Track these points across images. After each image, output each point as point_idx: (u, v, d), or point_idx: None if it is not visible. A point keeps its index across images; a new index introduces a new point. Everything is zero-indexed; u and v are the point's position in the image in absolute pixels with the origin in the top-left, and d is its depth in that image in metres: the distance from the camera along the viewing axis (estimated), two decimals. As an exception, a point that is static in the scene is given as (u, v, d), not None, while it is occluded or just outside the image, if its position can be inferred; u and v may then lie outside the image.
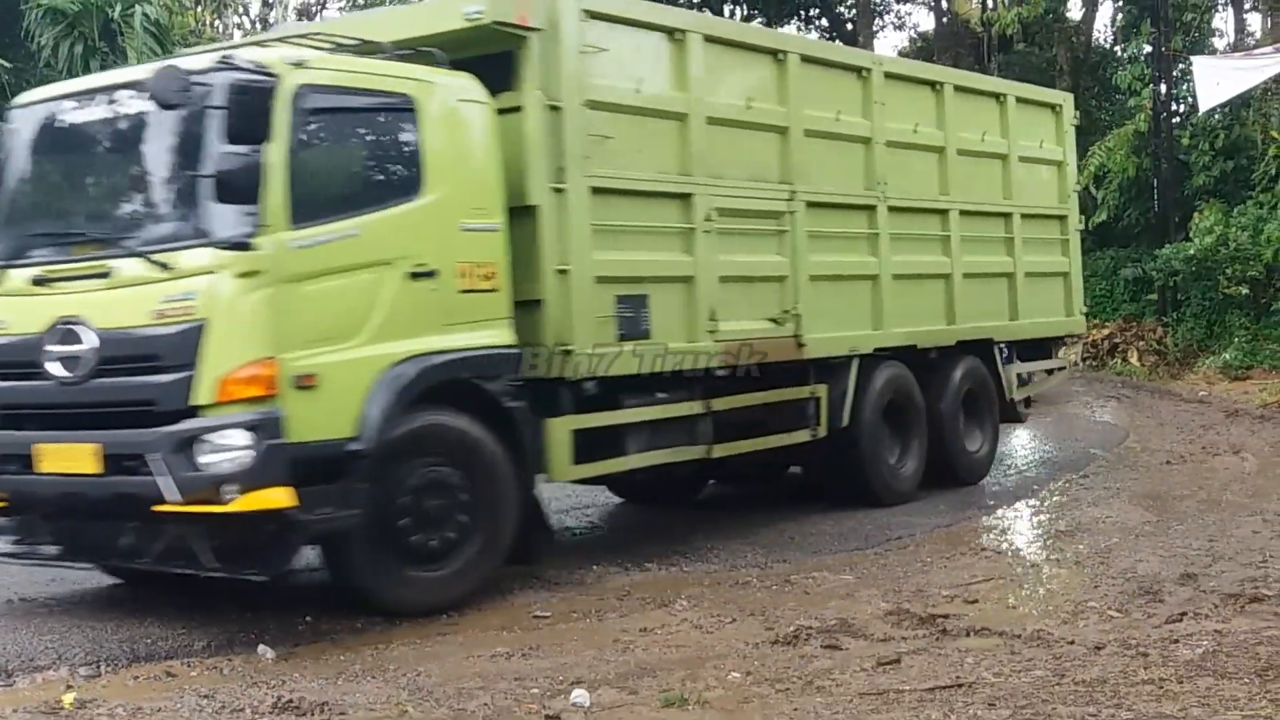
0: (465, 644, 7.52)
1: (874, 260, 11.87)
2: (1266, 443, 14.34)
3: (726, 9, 36.48)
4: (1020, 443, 15.55)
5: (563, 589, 8.94)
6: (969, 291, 12.91)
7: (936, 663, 6.76)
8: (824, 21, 36.98)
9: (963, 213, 12.87)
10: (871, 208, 11.84)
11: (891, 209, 11.98)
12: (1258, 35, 23.43)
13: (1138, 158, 22.73)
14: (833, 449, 11.57)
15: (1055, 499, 12.37)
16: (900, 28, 39.70)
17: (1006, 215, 13.63)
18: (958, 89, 13.19)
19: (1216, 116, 21.13)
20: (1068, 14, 28.30)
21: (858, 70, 12.00)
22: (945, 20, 32.13)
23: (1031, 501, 12.35)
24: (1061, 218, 14.70)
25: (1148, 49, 22.83)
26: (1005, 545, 10.37)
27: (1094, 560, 9.49)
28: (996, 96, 13.90)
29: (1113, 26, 29.27)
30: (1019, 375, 14.08)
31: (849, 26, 35.43)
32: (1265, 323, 19.70)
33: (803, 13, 36.60)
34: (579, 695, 6.30)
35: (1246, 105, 21.18)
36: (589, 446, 9.24)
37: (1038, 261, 14.07)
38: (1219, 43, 26.62)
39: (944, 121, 12.78)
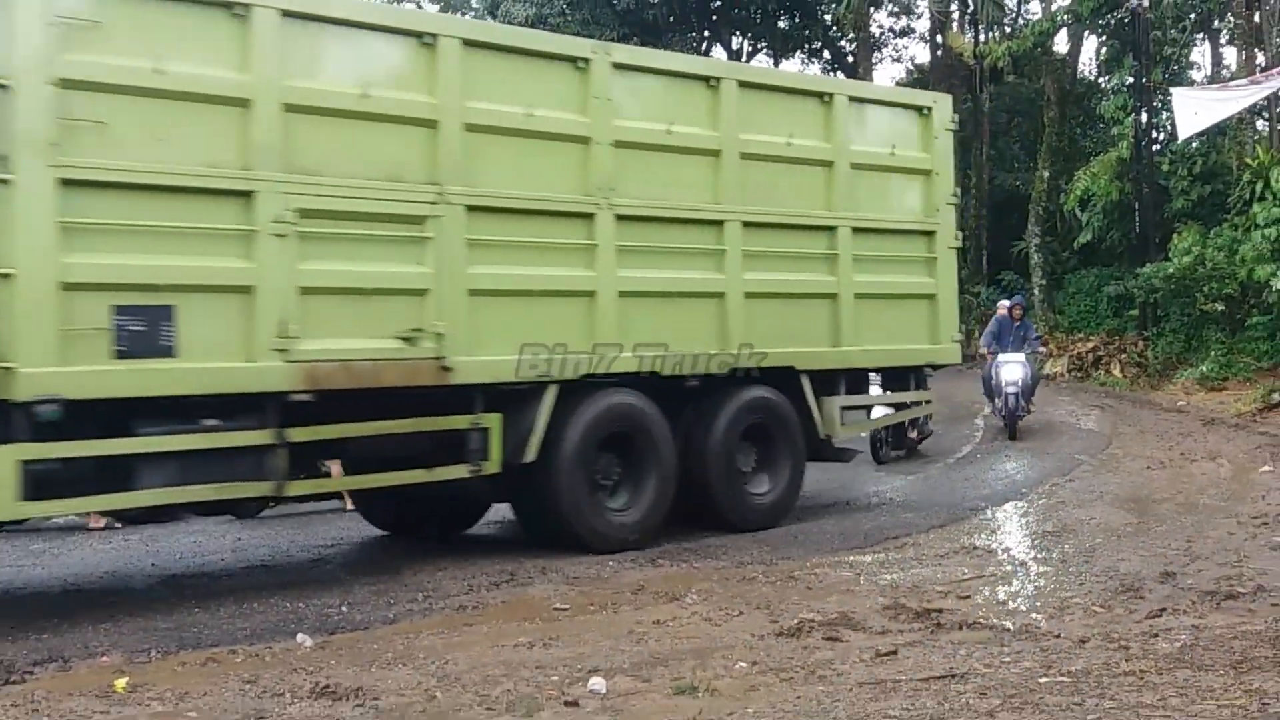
0: (489, 634, 7.51)
1: (589, 275, 9.91)
2: (1241, 449, 14.28)
3: (735, 41, 36.56)
4: (1009, 449, 15.50)
5: (581, 583, 8.94)
6: (759, 313, 10.86)
7: (931, 654, 6.74)
8: (826, 54, 37.00)
9: (748, 225, 10.80)
10: (589, 215, 9.87)
11: (622, 218, 10.00)
12: (1233, 68, 23.37)
13: (1120, 182, 22.69)
14: (523, 486, 9.85)
15: (1042, 501, 12.33)
16: (898, 60, 39.80)
17: (829, 229, 11.43)
18: (745, 85, 11.05)
19: (1194, 144, 21.09)
20: (1055, 48, 28.26)
21: (572, 61, 10.00)
22: (939, 53, 32.09)
23: (1020, 504, 12.31)
24: (928, 233, 12.30)
25: (1129, 81, 22.78)
26: (995, 544, 10.34)
27: (1079, 559, 9.46)
28: (820, 96, 11.63)
29: (1097, 59, 29.26)
30: (847, 410, 11.86)
31: (850, 59, 35.42)
32: (1240, 337, 19.64)
33: (807, 45, 36.62)
34: (596, 683, 6.29)
35: (1222, 133, 21.14)
36: (59, 480, 7.55)
37: (884, 282, 11.87)
38: (1196, 75, 26.58)
39: (721, 122, 10.73)
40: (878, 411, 13.01)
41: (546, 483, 9.71)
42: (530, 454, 9.46)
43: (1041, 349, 17.89)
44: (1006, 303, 18.30)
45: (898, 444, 15.65)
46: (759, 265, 10.91)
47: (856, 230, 11.56)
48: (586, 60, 9.97)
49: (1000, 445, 16.24)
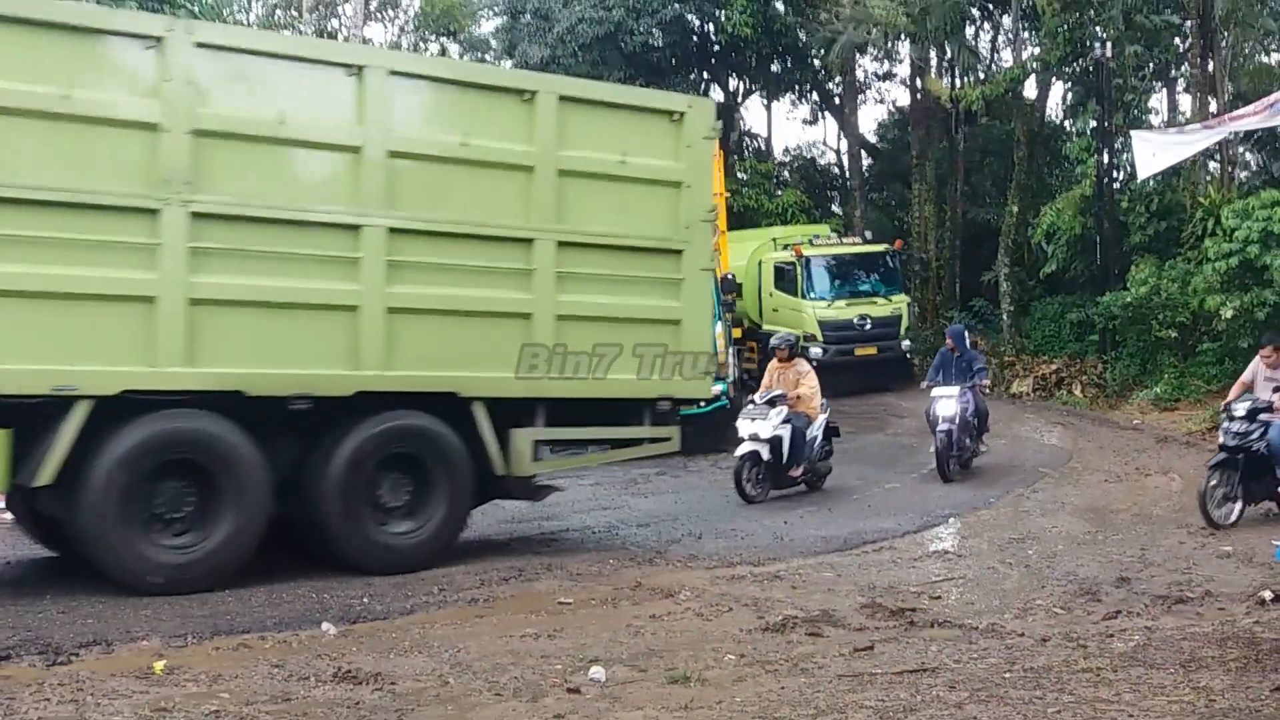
0: (498, 626, 7.52)
1: (147, 278, 8.05)
2: (1191, 465, 14.28)
3: (732, 82, 36.62)
4: (978, 462, 15.50)
5: (584, 579, 8.94)
6: (410, 331, 8.96)
7: (905, 650, 6.75)
8: (815, 95, 37.04)
9: (397, 231, 8.87)
10: (151, 211, 8.01)
11: (201, 216, 8.17)
12: (1188, 114, 23.41)
13: (1083, 218, 22.70)
14: (69, 509, 8.14)
15: (1008, 510, 12.33)
16: (881, 103, 39.89)
17: (523, 241, 9.44)
18: (400, 75, 9.16)
19: (1151, 183, 21.12)
20: (1024, 93, 28.31)
21: (140, 39, 8.13)
22: (919, 96, 32.12)
23: (987, 512, 12.31)
24: (673, 252, 10.08)
25: (1093, 124, 22.81)
26: (965, 549, 10.34)
27: (1041, 564, 9.46)
28: (519, 93, 9.49)
29: (1063, 104, 29.25)
30: (545, 444, 9.89)
31: (837, 101, 35.48)
32: (1191, 362, 19.63)
33: (797, 87, 36.69)
34: (596, 672, 6.29)
35: (1178, 174, 21.16)
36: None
37: (603, 304, 9.74)
38: (1155, 120, 26.58)
39: (367, 116, 8.83)
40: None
41: (82, 510, 7.99)
42: (45, 476, 7.76)
43: (985, 381, 15.00)
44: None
45: (778, 482, 13.18)
46: (411, 278, 8.98)
47: (564, 245, 9.54)
48: (159, 39, 8.13)
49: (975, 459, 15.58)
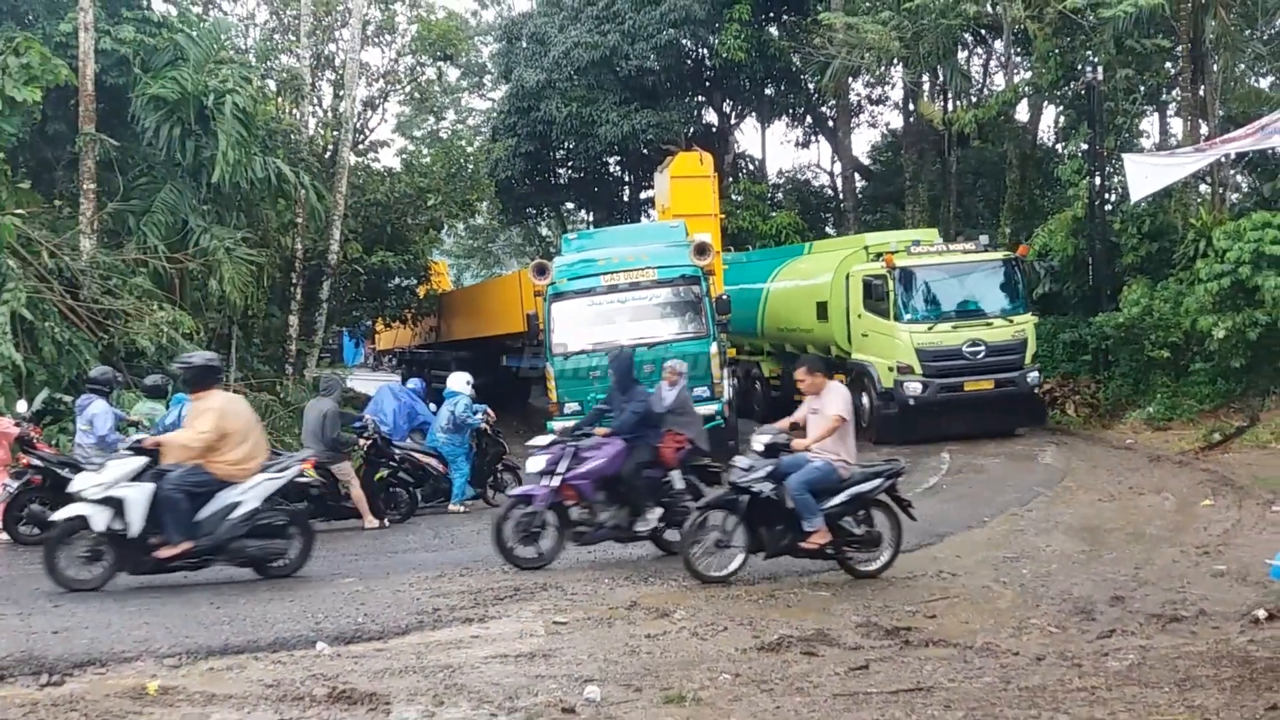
0: (494, 645, 7.48)
1: None
2: (1184, 484, 14.27)
3: (726, 105, 36.77)
4: (973, 480, 15.45)
5: (579, 599, 8.90)
6: None
7: (900, 669, 6.72)
8: (808, 119, 37.18)
9: None
10: None
11: None
12: (1179, 137, 23.51)
13: (1076, 239, 22.74)
14: None
15: (1002, 529, 12.30)
16: (874, 126, 39.97)
17: None
18: None
19: (1143, 205, 21.15)
20: (1017, 116, 28.43)
21: None
22: (912, 120, 32.26)
23: (981, 531, 12.27)
24: None
25: (1085, 147, 22.88)
26: (960, 568, 10.30)
27: (1036, 583, 9.43)
28: None
29: (1055, 127, 29.37)
30: None
31: (830, 124, 35.60)
32: (1184, 382, 19.63)
33: (791, 111, 36.83)
34: (591, 691, 6.26)
35: (1169, 196, 21.21)
36: None
37: None
38: (1146, 143, 26.69)
39: None
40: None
41: None
42: None
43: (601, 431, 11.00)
44: (676, 365, 12.45)
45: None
46: None
47: None
48: None
49: (969, 473, 15.92)
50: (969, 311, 18.91)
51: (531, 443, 11.05)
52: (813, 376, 9.70)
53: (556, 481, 10.31)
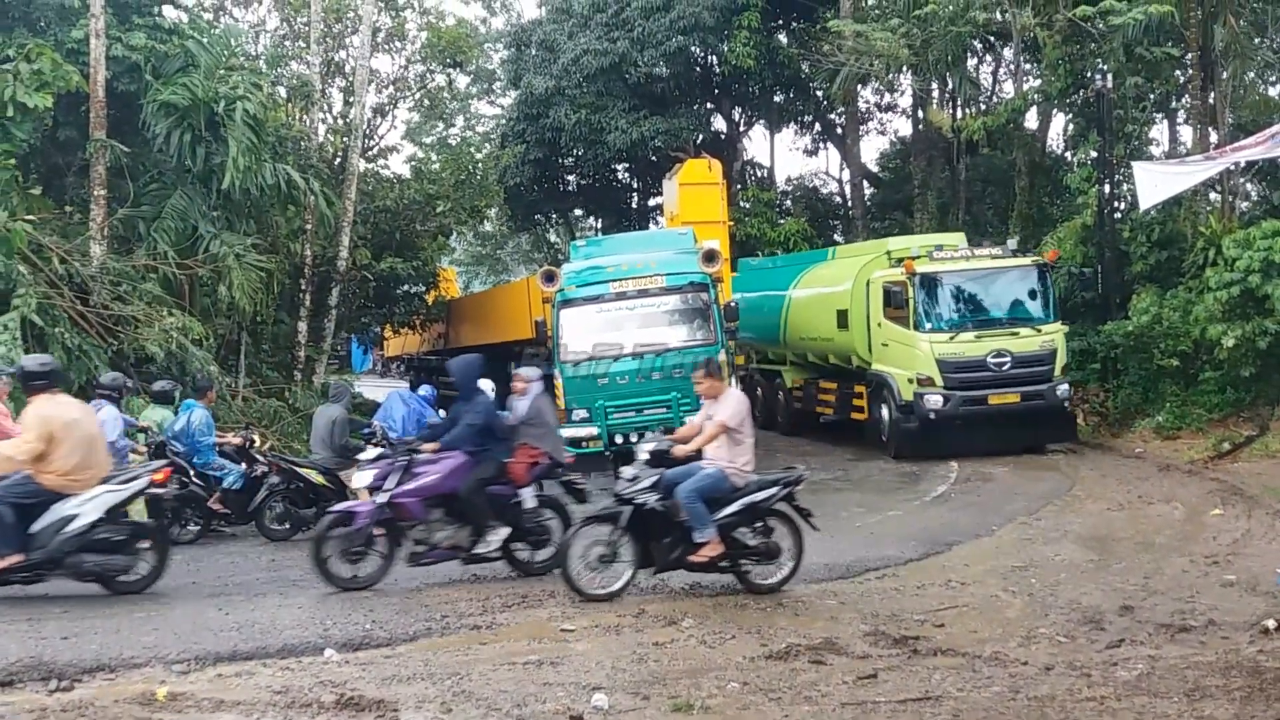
0: (501, 653, 7.48)
1: None
2: (1194, 494, 14.23)
3: (735, 113, 36.79)
4: (981, 488, 15.42)
5: (587, 607, 8.89)
6: None
7: (909, 678, 6.71)
8: (817, 126, 37.19)
9: None
10: None
11: None
12: (1189, 145, 23.46)
13: (1085, 247, 22.72)
14: None
15: (1011, 538, 12.27)
16: (883, 133, 39.94)
17: None
18: None
19: (1152, 213, 21.11)
20: (1026, 124, 28.40)
21: None
22: (921, 127, 32.23)
23: (990, 540, 12.24)
24: None
25: (1094, 155, 22.85)
26: (968, 577, 10.28)
27: (1044, 592, 9.41)
28: None
29: (1064, 135, 29.30)
30: None
31: (839, 131, 35.59)
32: (1193, 391, 19.58)
33: (800, 118, 36.84)
34: (599, 699, 6.26)
35: (1179, 204, 21.17)
36: None
37: None
38: (1155, 151, 26.61)
39: None
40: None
41: None
42: None
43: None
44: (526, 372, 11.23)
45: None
46: None
47: None
48: None
49: (976, 483, 15.90)
50: (994, 320, 17.98)
51: (360, 456, 10.58)
52: (710, 380, 9.49)
53: (384, 498, 9.64)
